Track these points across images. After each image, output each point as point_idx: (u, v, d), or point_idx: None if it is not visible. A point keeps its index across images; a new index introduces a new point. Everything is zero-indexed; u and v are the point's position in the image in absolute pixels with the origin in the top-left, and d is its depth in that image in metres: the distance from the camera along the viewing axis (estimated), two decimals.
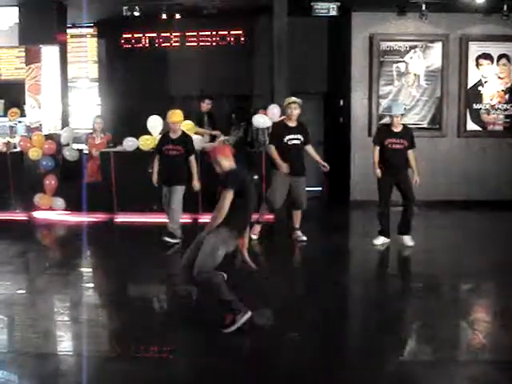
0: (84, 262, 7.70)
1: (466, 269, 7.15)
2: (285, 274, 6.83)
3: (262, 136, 9.93)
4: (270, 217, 8.93)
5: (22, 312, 5.71)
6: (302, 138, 8.22)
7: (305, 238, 8.31)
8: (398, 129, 7.98)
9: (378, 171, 7.94)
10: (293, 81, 10.56)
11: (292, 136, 8.17)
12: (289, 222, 8.61)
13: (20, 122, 11.42)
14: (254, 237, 8.20)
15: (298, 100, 8.25)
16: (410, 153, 7.98)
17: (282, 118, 8.62)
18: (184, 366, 4.49)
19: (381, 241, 8.09)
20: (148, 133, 9.90)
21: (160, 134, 9.80)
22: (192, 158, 8.30)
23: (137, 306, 5.84)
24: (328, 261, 7.61)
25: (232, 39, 12.47)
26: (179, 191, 8.20)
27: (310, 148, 8.38)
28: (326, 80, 12.45)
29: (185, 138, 8.38)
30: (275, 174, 8.24)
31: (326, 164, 8.38)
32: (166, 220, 8.32)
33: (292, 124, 8.23)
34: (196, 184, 8.30)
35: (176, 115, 8.25)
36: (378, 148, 7.98)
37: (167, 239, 8.12)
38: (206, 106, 10.75)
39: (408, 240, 8.00)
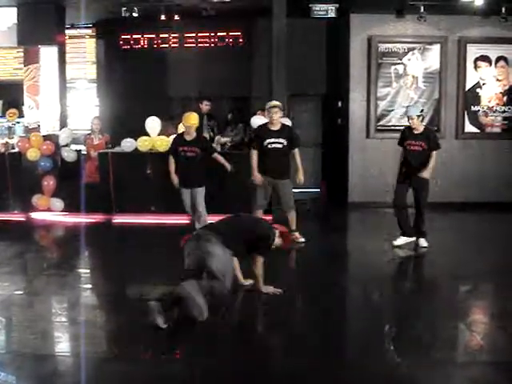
0: (82, 262, 7.69)
1: (464, 270, 7.14)
2: (282, 275, 6.82)
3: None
4: (269, 218, 8.93)
5: (19, 313, 5.70)
6: (285, 142, 8.19)
7: (303, 240, 8.31)
8: (417, 131, 8.01)
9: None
10: (291, 82, 10.56)
11: (272, 140, 8.16)
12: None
13: (18, 122, 11.40)
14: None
15: (279, 103, 8.28)
16: (432, 154, 8.04)
17: (265, 121, 8.58)
18: (182, 367, 4.48)
19: (402, 241, 8.14)
20: (146, 134, 9.90)
21: (159, 135, 9.84)
22: (216, 154, 8.50)
23: (135, 307, 5.82)
24: (326, 262, 7.61)
25: (231, 41, 12.48)
26: (202, 194, 8.32)
27: (295, 152, 8.32)
28: (325, 82, 12.46)
29: (200, 139, 8.53)
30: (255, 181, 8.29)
31: (301, 178, 8.30)
32: (196, 224, 8.28)
33: (274, 128, 8.22)
34: (228, 167, 8.40)
35: (192, 118, 8.31)
36: (401, 149, 8.12)
37: None
38: (204, 107, 10.74)
39: (422, 241, 8.11)
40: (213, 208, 8.61)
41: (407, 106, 8.33)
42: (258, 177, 8.15)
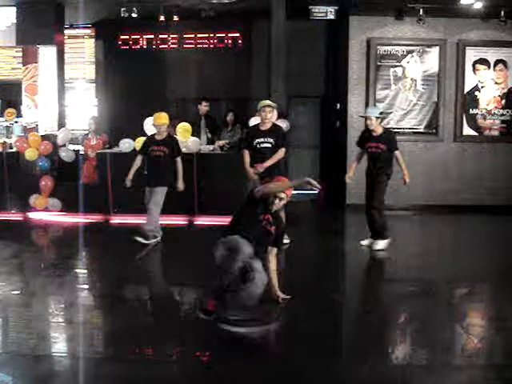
0: (79, 263, 7.68)
1: (461, 273, 7.15)
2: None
3: None
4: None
5: (16, 313, 5.68)
6: (274, 142, 8.14)
7: (287, 241, 8.24)
8: (376, 133, 8.04)
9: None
10: (290, 84, 10.57)
11: (262, 139, 8.13)
12: None
13: (16, 122, 11.39)
14: None
15: (272, 103, 8.23)
16: (397, 155, 8.12)
17: (258, 121, 8.55)
18: (180, 368, 4.48)
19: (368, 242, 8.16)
20: (145, 134, 9.89)
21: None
22: (179, 159, 8.39)
23: (132, 308, 5.83)
24: (318, 263, 7.61)
25: (229, 42, 12.49)
26: (159, 193, 8.21)
27: (280, 151, 8.16)
28: (324, 83, 12.48)
29: (170, 140, 8.46)
30: (248, 177, 8.29)
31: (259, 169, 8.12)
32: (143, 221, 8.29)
33: (264, 128, 8.19)
34: (180, 185, 8.35)
35: (162, 117, 8.32)
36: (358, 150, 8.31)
37: (139, 239, 8.11)
38: (203, 107, 10.74)
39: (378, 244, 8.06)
40: (208, 208, 8.66)
41: (366, 108, 8.38)
42: (250, 171, 8.09)
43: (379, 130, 8.06)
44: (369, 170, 8.13)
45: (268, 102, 8.25)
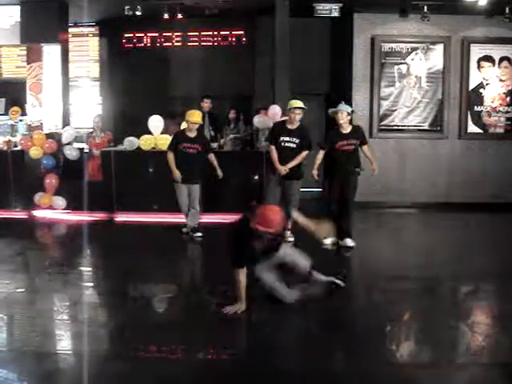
0: (84, 261, 7.69)
1: (466, 271, 7.13)
2: None
3: (263, 136, 9.92)
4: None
5: (21, 311, 5.70)
6: (299, 143, 8.18)
7: (291, 239, 8.27)
8: (345, 130, 8.05)
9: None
10: (294, 81, 10.56)
11: (287, 138, 8.14)
12: None
13: (21, 120, 11.39)
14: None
15: (304, 106, 8.16)
16: (365, 148, 8.13)
17: (284, 118, 8.59)
18: (184, 366, 4.48)
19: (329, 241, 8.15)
20: (149, 132, 9.91)
21: (162, 133, 9.86)
22: (212, 155, 8.65)
23: (137, 306, 5.83)
24: (321, 261, 7.58)
25: (234, 39, 12.48)
26: (198, 190, 8.58)
27: (303, 153, 8.25)
28: (328, 81, 12.45)
29: (202, 137, 8.71)
30: (269, 174, 8.35)
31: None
32: (185, 220, 8.68)
33: (291, 127, 8.20)
34: (220, 173, 8.64)
35: (196, 115, 8.46)
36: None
37: (198, 234, 8.53)
38: (206, 105, 10.74)
39: (348, 241, 8.10)
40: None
41: (338, 104, 8.39)
42: (281, 168, 8.11)
43: (348, 128, 8.04)
44: (338, 169, 8.05)
45: (300, 103, 8.17)
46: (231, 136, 10.55)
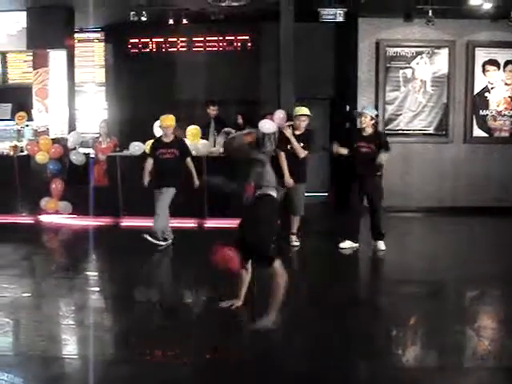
0: (90, 265, 7.72)
1: (471, 275, 7.12)
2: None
3: (268, 141, 9.91)
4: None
5: (27, 315, 5.72)
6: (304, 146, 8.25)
7: (297, 244, 8.33)
8: (366, 133, 8.07)
9: None
10: (299, 86, 10.55)
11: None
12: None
13: (27, 125, 11.43)
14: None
15: (310, 114, 8.28)
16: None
17: (289, 123, 8.59)
18: (189, 370, 4.49)
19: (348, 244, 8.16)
20: (154, 137, 9.92)
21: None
22: (189, 160, 8.50)
23: (142, 310, 5.85)
24: (324, 265, 7.60)
25: (239, 45, 12.50)
26: (169, 193, 8.28)
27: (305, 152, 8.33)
28: (333, 86, 12.45)
29: (178, 142, 8.56)
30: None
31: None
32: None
33: (298, 132, 8.26)
34: (196, 182, 8.47)
35: (169, 119, 8.39)
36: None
37: (149, 238, 8.19)
38: (212, 111, 10.76)
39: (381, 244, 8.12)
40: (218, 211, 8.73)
41: (363, 107, 8.40)
42: (291, 181, 8.17)
43: (369, 131, 8.05)
44: (357, 171, 8.08)
45: (305, 110, 8.29)
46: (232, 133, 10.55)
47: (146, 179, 8.38)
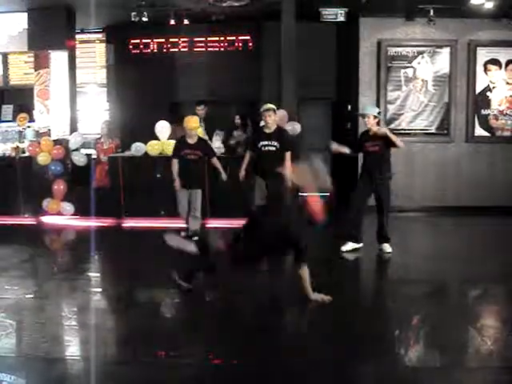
0: (92, 266, 7.71)
1: (473, 275, 7.11)
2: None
3: None
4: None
5: (30, 316, 5.71)
6: (278, 145, 8.25)
7: None
8: (373, 132, 7.98)
9: None
10: (301, 86, 10.57)
11: (266, 142, 8.24)
12: None
13: (29, 127, 11.44)
14: None
15: (273, 106, 8.38)
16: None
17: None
18: (193, 371, 4.48)
19: (350, 246, 8.06)
20: (156, 138, 9.93)
21: (169, 139, 9.87)
22: (215, 160, 8.74)
23: (145, 311, 5.84)
24: (328, 265, 7.58)
25: (240, 45, 12.51)
26: (200, 195, 8.59)
27: (287, 155, 8.35)
28: (334, 86, 12.46)
29: (202, 143, 8.73)
30: (254, 178, 8.47)
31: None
32: (185, 225, 8.65)
33: (268, 131, 8.30)
34: (224, 176, 8.67)
35: (193, 121, 8.53)
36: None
37: (195, 239, 8.35)
38: (199, 111, 10.71)
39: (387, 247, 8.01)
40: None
41: (363, 108, 8.33)
42: (242, 175, 8.44)
43: (375, 129, 7.99)
44: (369, 173, 7.99)
45: (269, 105, 8.43)
46: (232, 142, 10.55)
47: (178, 182, 8.53)
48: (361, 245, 8.09)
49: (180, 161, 8.54)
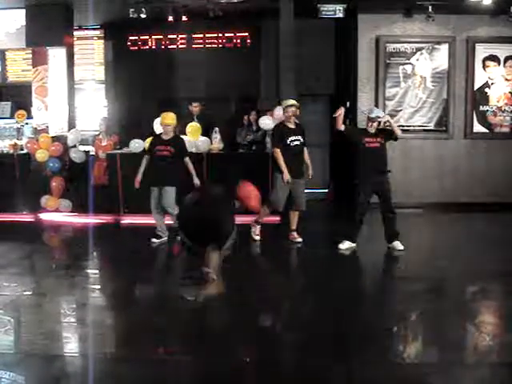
0: (90, 263, 7.71)
1: (472, 271, 7.11)
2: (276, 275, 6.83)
3: (268, 137, 9.93)
4: (276, 218, 8.95)
5: (28, 313, 5.72)
6: (302, 140, 8.26)
7: (300, 240, 8.31)
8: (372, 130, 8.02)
9: None
10: (299, 83, 10.56)
11: (293, 138, 8.20)
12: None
13: (27, 123, 11.43)
14: (257, 237, 8.39)
15: (296, 103, 8.28)
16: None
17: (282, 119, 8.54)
18: (192, 368, 4.48)
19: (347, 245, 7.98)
20: (154, 134, 9.91)
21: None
22: (187, 159, 8.40)
23: (144, 308, 5.84)
24: (325, 263, 7.59)
25: (238, 41, 12.48)
26: (171, 192, 8.18)
27: (305, 150, 8.40)
28: (333, 82, 12.45)
29: (177, 140, 8.50)
30: (277, 177, 8.25)
31: (311, 173, 8.40)
32: (154, 221, 8.41)
33: (292, 126, 8.26)
34: (196, 181, 8.34)
35: (169, 118, 8.36)
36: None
37: (155, 240, 8.25)
38: (194, 108, 10.67)
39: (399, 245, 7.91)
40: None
41: (370, 110, 8.24)
42: (287, 175, 8.12)
43: (375, 127, 7.96)
44: (367, 168, 7.88)
45: (292, 101, 8.33)
46: (248, 138, 10.58)
47: (138, 179, 8.30)
48: (354, 245, 7.97)
49: (152, 157, 8.32)
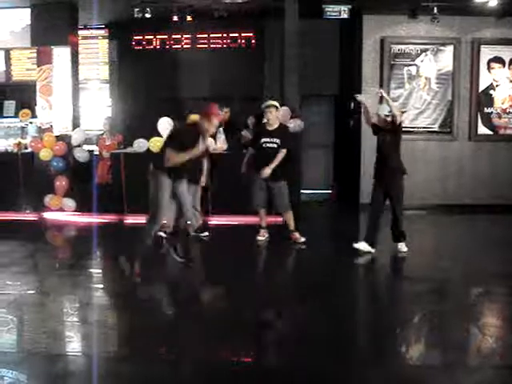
0: (94, 262, 7.72)
1: (476, 273, 7.10)
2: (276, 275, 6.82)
3: None
4: (279, 219, 8.95)
5: (31, 312, 5.71)
6: (278, 143, 8.15)
7: (303, 240, 8.27)
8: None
9: None
10: (304, 83, 10.55)
11: (267, 139, 8.16)
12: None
13: (31, 122, 11.44)
14: (262, 238, 8.42)
15: (274, 103, 8.26)
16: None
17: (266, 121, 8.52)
18: (194, 368, 4.48)
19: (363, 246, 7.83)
20: (158, 134, 9.91)
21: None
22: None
23: (147, 307, 5.84)
24: (327, 264, 7.57)
25: (243, 41, 12.48)
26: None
27: (281, 152, 8.16)
28: (337, 83, 12.45)
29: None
30: (255, 176, 8.25)
31: (267, 171, 8.13)
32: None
33: (271, 127, 8.22)
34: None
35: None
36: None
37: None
38: (225, 114, 10.64)
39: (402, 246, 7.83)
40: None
41: (384, 105, 8.09)
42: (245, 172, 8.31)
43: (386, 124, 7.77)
44: (379, 167, 7.73)
45: (271, 102, 8.31)
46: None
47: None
48: (373, 250, 7.74)
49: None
